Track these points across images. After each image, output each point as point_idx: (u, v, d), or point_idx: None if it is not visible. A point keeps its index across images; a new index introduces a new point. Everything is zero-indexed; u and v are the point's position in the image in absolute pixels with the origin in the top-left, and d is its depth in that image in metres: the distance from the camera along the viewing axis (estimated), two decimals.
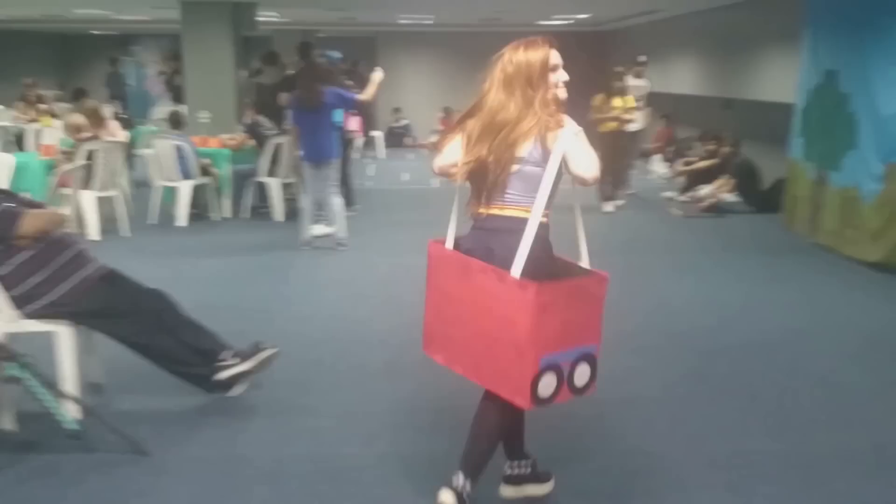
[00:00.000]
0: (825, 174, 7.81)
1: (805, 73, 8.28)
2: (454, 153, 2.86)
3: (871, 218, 7.01)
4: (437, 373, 4.30)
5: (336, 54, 9.83)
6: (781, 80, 9.15)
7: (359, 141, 8.38)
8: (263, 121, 9.04)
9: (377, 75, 7.34)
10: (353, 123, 8.42)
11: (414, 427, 3.80)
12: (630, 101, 9.82)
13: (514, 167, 2.75)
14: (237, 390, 4.02)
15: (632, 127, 9.98)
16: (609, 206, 9.64)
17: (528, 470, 3.05)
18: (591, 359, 2.74)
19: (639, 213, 9.72)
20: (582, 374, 2.72)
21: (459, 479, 2.80)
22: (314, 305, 5.80)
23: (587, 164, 2.67)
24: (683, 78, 13.17)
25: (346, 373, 4.48)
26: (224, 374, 3.94)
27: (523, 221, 2.69)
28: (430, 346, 3.03)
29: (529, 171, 2.73)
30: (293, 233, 7.68)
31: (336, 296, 6.06)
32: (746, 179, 9.70)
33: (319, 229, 7.63)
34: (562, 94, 2.80)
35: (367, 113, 9.25)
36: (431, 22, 15.48)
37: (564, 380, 2.67)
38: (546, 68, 2.76)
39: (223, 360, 3.94)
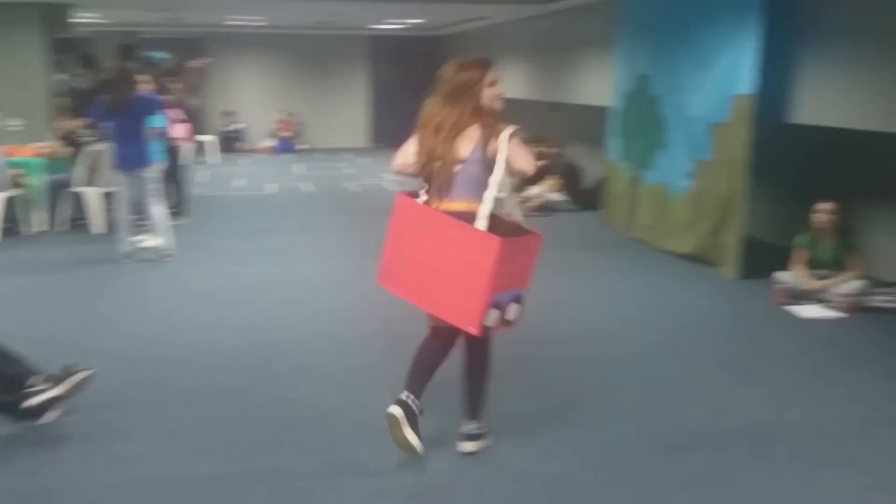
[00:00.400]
0: (639, 173, 8.29)
1: (619, 77, 8.76)
2: (409, 153, 3.46)
3: (681, 212, 7.51)
4: (266, 391, 4.25)
5: (160, 55, 9.43)
6: (601, 84, 9.62)
7: (187, 147, 8.07)
8: (79, 127, 8.54)
9: (198, 63, 7.05)
10: (180, 130, 8.11)
11: (241, 445, 3.71)
12: None
13: (458, 167, 3.31)
14: (49, 417, 3.78)
15: None
16: None
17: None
18: (521, 300, 3.38)
19: None
20: (514, 311, 3.36)
21: (404, 395, 3.42)
22: (135, 323, 5.53)
23: (526, 160, 3.30)
24: (515, 82, 13.57)
25: (169, 392, 4.31)
26: (33, 401, 3.70)
27: (469, 214, 3.25)
28: (387, 281, 3.55)
29: (471, 171, 3.31)
30: (114, 246, 7.31)
31: (159, 311, 5.81)
32: (571, 179, 10.16)
33: (142, 241, 7.31)
34: (498, 105, 3.37)
35: (194, 117, 8.91)
36: (264, 23, 15.15)
37: (503, 315, 3.28)
38: (482, 84, 3.33)
39: (32, 386, 3.70)
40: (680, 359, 4.88)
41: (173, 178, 8.58)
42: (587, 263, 7.34)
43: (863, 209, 6.75)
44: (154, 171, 7.23)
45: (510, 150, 3.26)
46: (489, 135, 3.28)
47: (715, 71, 6.93)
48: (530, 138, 11.82)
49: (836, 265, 6.07)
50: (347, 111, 18.11)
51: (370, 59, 18.11)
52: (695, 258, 7.22)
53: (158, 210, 7.19)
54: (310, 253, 7.66)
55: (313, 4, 11.61)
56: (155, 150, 7.38)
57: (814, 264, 6.18)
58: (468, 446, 3.59)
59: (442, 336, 3.49)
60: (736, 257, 6.68)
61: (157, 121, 7.31)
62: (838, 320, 5.61)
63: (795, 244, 6.24)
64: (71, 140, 8.53)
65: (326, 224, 9.19)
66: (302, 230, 8.76)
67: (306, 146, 17.31)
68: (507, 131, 3.27)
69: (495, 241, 3.12)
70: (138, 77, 7.31)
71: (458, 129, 3.30)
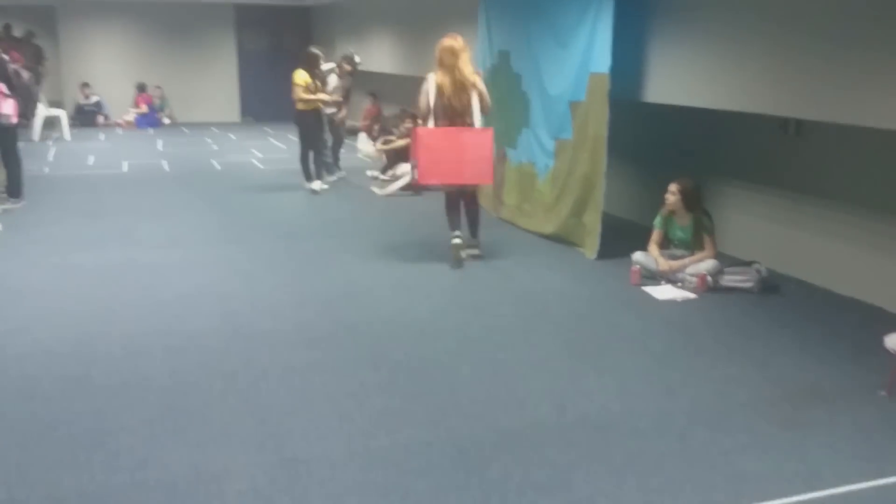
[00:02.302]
0: (504, 151, 8.14)
1: (480, 53, 8.56)
2: (430, 98, 6.22)
3: (544, 192, 7.41)
4: (74, 402, 3.80)
5: None
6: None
7: (20, 123, 7.42)
8: None
9: None
10: (7, 107, 7.40)
11: (34, 467, 3.31)
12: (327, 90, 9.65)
13: (462, 102, 6.23)
14: None
15: (329, 110, 9.79)
16: (315, 185, 9.42)
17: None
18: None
19: (342, 192, 9.59)
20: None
21: (456, 233, 6.40)
22: None
23: (488, 97, 6.32)
24: (381, 56, 13.24)
25: None
26: None
27: (471, 126, 6.29)
28: (425, 179, 6.35)
29: (468, 103, 6.24)
30: None
31: None
32: None
33: None
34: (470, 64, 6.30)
35: (25, 93, 8.15)
36: None
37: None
38: (464, 50, 6.24)
39: None
40: (529, 346, 4.73)
41: (4, 157, 7.87)
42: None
43: (717, 188, 6.81)
44: None
45: (482, 91, 6.26)
46: (474, 82, 6.22)
47: (571, 48, 6.82)
48: (397, 115, 11.55)
49: (691, 245, 6.08)
50: (215, 84, 17.31)
51: (236, 29, 17.33)
52: (558, 239, 7.14)
53: None
54: (150, 239, 7.14)
55: None
56: None
57: (670, 244, 6.19)
58: (475, 252, 6.59)
59: (454, 195, 6.53)
60: (595, 237, 6.63)
61: None
62: (690, 301, 5.61)
63: (654, 223, 6.22)
64: None
65: (178, 206, 8.63)
66: (148, 214, 8.18)
67: (170, 120, 16.45)
68: (480, 79, 6.28)
69: (490, 131, 6.36)
70: None
71: (463, 82, 6.20)
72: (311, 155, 9.44)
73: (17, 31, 15.21)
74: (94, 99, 16.13)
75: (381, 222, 8.08)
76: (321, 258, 6.64)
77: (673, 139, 7.28)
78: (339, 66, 10.19)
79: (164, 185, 9.86)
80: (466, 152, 6.18)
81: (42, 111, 13.61)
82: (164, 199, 8.94)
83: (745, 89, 5.47)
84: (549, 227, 7.28)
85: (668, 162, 7.18)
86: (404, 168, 9.70)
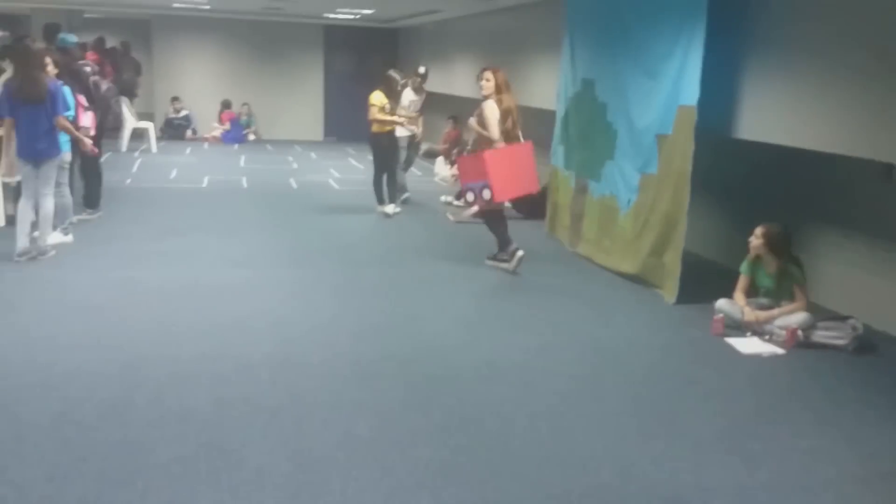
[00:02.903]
0: (586, 183, 7.80)
1: (563, 80, 8.25)
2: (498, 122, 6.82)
3: (625, 228, 7.03)
4: (116, 428, 3.64)
5: (72, 38, 8.76)
6: (551, 86, 9.12)
7: (90, 135, 7.50)
8: None
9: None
10: (86, 119, 7.48)
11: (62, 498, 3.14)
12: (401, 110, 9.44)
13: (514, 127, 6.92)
14: None
15: (402, 132, 9.63)
16: (388, 209, 9.24)
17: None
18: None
19: (414, 216, 9.39)
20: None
21: (513, 246, 6.95)
22: None
23: None
24: (465, 81, 13.05)
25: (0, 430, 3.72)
26: None
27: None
28: (502, 197, 6.87)
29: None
30: (10, 241, 6.67)
31: (18, 323, 5.16)
32: None
33: (40, 236, 6.71)
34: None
35: (103, 105, 8.22)
36: (208, 7, 14.45)
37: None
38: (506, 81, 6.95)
39: None
40: (593, 398, 4.37)
41: (81, 169, 7.94)
42: (523, 280, 6.81)
43: (811, 234, 6.31)
44: (59, 162, 6.75)
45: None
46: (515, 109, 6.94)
47: (660, 79, 6.45)
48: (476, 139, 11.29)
49: (779, 294, 5.62)
50: (301, 102, 17.46)
51: (324, 49, 17.47)
52: (636, 279, 6.73)
53: (50, 203, 6.61)
54: (216, 258, 7.03)
55: None
56: (62, 139, 6.84)
57: (757, 292, 5.73)
58: (491, 262, 7.11)
59: (501, 212, 7.11)
60: (675, 280, 6.20)
61: (64, 108, 6.69)
62: (777, 357, 5.14)
63: (740, 269, 5.78)
64: None
65: (249, 224, 8.56)
66: (219, 231, 8.12)
67: (256, 137, 16.64)
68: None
69: (530, 142, 7.15)
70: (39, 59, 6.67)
71: (514, 107, 6.92)
72: (384, 178, 9.28)
73: (112, 44, 15.62)
74: (183, 113, 16.45)
75: (451, 249, 7.81)
76: (385, 286, 6.42)
77: (764, 178, 6.80)
78: (412, 80, 10.03)
79: (239, 202, 9.85)
80: (522, 166, 6.95)
81: (131, 123, 13.93)
82: (237, 217, 8.89)
83: (850, 131, 5.00)
84: (627, 266, 6.88)
85: (758, 201, 6.72)
86: None
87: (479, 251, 7.41)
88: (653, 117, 6.60)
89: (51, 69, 6.86)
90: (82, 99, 7.44)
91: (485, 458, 3.63)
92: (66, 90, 7.04)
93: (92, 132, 7.59)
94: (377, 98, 8.97)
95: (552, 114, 8.68)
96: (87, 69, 8.03)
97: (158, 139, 14.76)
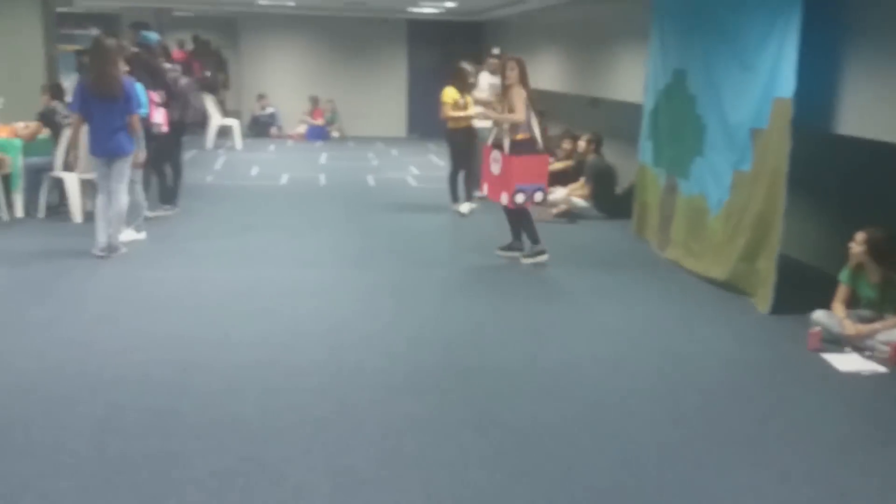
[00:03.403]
0: (675, 181, 7.32)
1: (652, 72, 7.78)
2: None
3: (715, 230, 6.54)
4: (162, 438, 3.34)
5: (153, 35, 8.81)
6: (635, 78, 8.66)
7: (162, 132, 7.51)
8: (60, 107, 7.96)
9: None
10: (158, 115, 7.47)
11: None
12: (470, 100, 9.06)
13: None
14: None
15: (483, 123, 9.32)
16: (463, 208, 8.97)
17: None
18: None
19: (490, 215, 9.06)
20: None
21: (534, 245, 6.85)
22: (54, 333, 4.85)
23: None
24: (551, 74, 12.65)
25: (41, 436, 3.61)
26: None
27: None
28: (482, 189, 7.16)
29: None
30: (89, 237, 6.69)
31: (88, 321, 5.12)
32: (600, 182, 9.19)
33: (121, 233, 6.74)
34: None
35: (183, 101, 8.23)
36: (293, 4, 14.47)
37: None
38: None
39: None
40: (669, 419, 3.97)
41: (155, 166, 7.94)
42: (603, 285, 6.40)
43: None
44: (132, 159, 6.70)
45: None
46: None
47: (755, 70, 5.93)
48: (562, 134, 10.90)
49: (883, 306, 5.06)
50: (385, 99, 17.35)
51: (408, 44, 17.31)
52: (726, 286, 6.22)
53: (124, 200, 6.60)
54: (285, 258, 6.89)
55: None
56: (135, 137, 6.80)
57: (858, 303, 5.19)
58: (528, 260, 6.83)
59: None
60: (769, 287, 5.69)
61: (138, 105, 6.68)
62: (879, 376, 4.61)
63: (840, 278, 5.25)
64: (49, 120, 7.94)
65: (322, 222, 8.40)
66: (290, 230, 7.99)
67: (339, 134, 16.62)
68: None
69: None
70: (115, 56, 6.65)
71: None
72: (461, 175, 9.00)
73: (202, 42, 15.85)
74: (269, 110, 16.57)
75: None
76: (452, 289, 6.13)
77: (867, 177, 6.19)
78: (486, 63, 9.71)
79: (315, 200, 9.73)
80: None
81: (216, 120, 14.08)
82: (311, 215, 8.75)
83: None
84: (717, 272, 6.38)
85: (861, 203, 6.12)
86: (558, 193, 9.05)
87: (556, 254, 7.03)
88: (747, 110, 6.09)
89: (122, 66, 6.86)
90: (155, 95, 7.43)
91: (542, 484, 3.30)
92: (139, 87, 7.04)
93: (164, 128, 7.57)
94: (448, 94, 8.71)
95: (638, 107, 8.22)
96: (168, 66, 8.04)
97: (244, 136, 14.89)
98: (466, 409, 4.00)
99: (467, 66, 9.03)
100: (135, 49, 7.65)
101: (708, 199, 6.71)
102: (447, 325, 5.29)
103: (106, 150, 6.48)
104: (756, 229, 5.90)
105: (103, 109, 6.39)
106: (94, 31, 12.21)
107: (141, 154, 7.00)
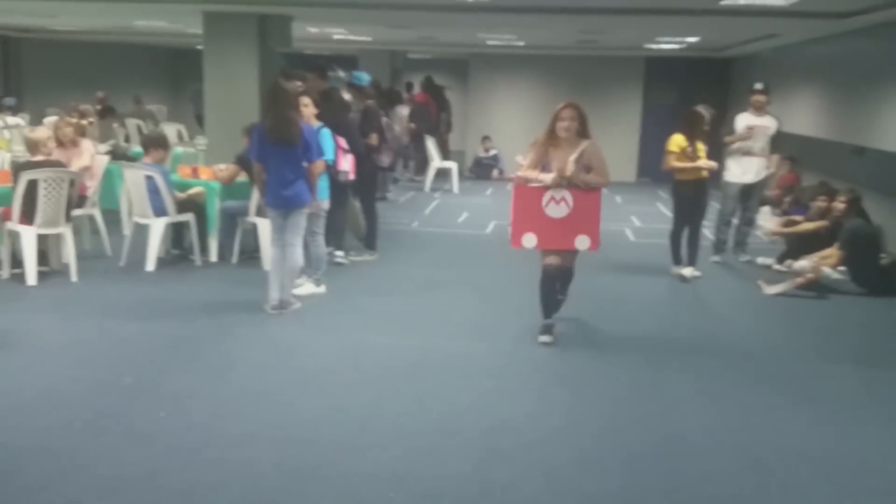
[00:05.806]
0: None
1: None
2: None
3: None
4: None
5: (364, 76, 8.49)
6: None
7: (349, 179, 7.05)
8: None
9: None
10: (345, 163, 6.99)
11: None
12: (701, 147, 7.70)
13: None
14: None
15: (733, 178, 8.14)
16: (686, 271, 7.69)
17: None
18: None
19: (718, 282, 7.71)
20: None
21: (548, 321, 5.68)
22: (182, 412, 4.32)
23: None
24: (805, 116, 10.96)
25: None
26: None
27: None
28: (515, 243, 5.62)
29: None
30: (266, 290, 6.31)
31: (225, 396, 4.56)
32: (860, 249, 7.47)
33: (296, 286, 6.32)
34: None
35: (395, 145, 7.88)
36: (521, 44, 13.87)
37: None
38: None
39: None
40: None
41: (336, 215, 7.40)
42: (863, 390, 4.94)
43: None
44: (309, 210, 6.23)
45: None
46: None
47: None
48: (816, 186, 9.22)
49: None
50: (615, 140, 16.13)
51: (644, 83, 16.10)
52: None
53: (298, 254, 6.13)
54: (463, 324, 6.09)
55: (567, 18, 10.03)
56: (321, 185, 6.41)
57: None
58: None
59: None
60: None
61: (319, 153, 6.24)
62: None
63: None
64: (247, 163, 7.75)
65: (521, 280, 7.34)
66: (478, 288, 7.18)
67: None
68: None
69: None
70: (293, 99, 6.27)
71: None
72: (684, 233, 7.73)
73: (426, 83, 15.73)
74: (492, 152, 16.06)
75: (755, 336, 6.08)
76: (655, 387, 4.92)
77: None
78: (751, 100, 8.23)
79: (515, 253, 8.83)
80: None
81: (436, 163, 13.75)
82: (508, 270, 7.75)
83: None
84: None
85: None
86: (804, 261, 7.50)
87: (795, 340, 5.59)
88: None
89: (309, 111, 6.44)
90: (343, 142, 6.96)
91: None
92: (326, 132, 6.61)
93: (351, 176, 7.09)
94: (674, 142, 7.51)
95: None
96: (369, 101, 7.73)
97: (466, 178, 14.44)
98: None
99: (703, 111, 7.74)
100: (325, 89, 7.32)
101: None
102: (634, 438, 4.16)
103: (280, 201, 6.02)
104: None
105: (279, 156, 5.95)
106: (340, 73, 12.22)
107: (324, 203, 6.55)
